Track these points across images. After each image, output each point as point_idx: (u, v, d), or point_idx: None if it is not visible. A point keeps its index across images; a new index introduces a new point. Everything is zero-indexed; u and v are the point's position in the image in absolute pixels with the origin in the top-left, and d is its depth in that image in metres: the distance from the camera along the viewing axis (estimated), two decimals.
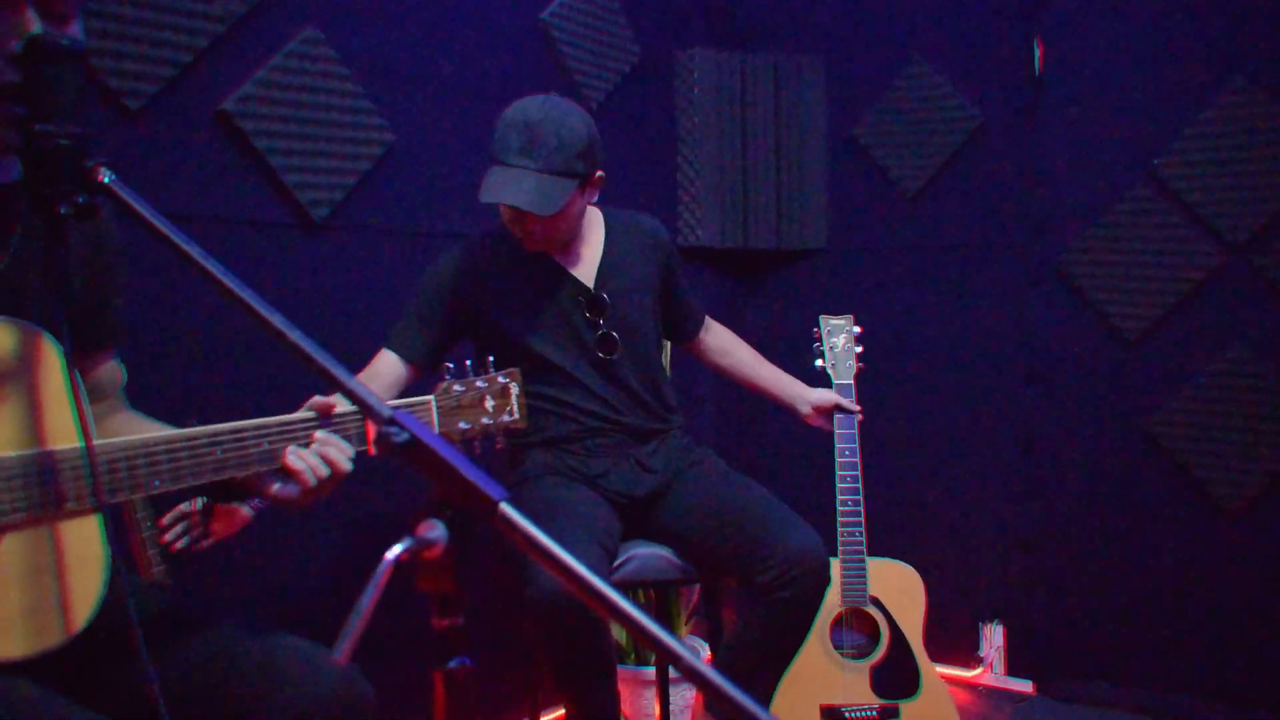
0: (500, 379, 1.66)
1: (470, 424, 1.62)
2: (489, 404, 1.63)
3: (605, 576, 1.96)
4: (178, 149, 2.33)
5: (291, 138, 2.51)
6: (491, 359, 1.70)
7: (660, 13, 3.59)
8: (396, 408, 1.47)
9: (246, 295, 0.92)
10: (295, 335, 0.92)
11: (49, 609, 1.18)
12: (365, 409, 0.86)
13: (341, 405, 1.43)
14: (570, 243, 2.38)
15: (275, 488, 1.37)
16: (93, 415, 1.43)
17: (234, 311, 2.35)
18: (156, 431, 1.48)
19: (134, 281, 2.17)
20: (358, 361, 2.60)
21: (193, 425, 1.32)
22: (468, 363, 1.67)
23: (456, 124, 2.92)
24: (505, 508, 0.81)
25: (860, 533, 2.50)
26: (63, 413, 1.20)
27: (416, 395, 2.07)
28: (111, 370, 1.50)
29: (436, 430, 1.56)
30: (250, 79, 2.42)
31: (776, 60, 3.64)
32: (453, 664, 0.84)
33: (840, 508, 2.51)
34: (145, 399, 2.09)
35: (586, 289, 2.36)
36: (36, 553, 1.18)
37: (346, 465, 1.36)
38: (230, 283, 0.93)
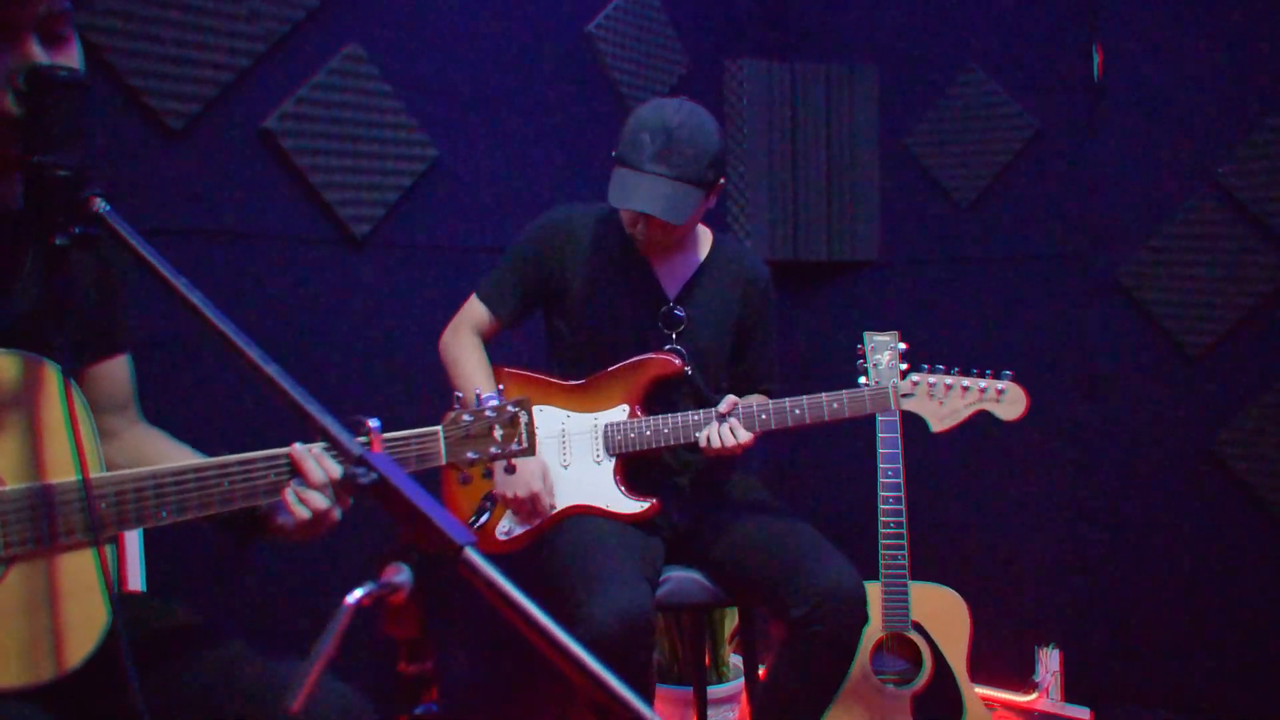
0: (510, 408, 1.64)
1: (478, 454, 1.60)
2: (497, 433, 1.62)
3: (650, 606, 1.98)
4: (220, 168, 2.35)
5: (333, 155, 2.53)
6: (500, 388, 1.68)
7: (709, 22, 3.56)
8: (402, 439, 1.52)
9: (227, 328, 0.91)
10: (271, 369, 0.90)
11: (43, 643, 1.18)
12: (337, 447, 0.85)
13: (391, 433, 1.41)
14: (671, 250, 2.33)
15: (279, 519, 1.36)
16: (109, 429, 1.46)
17: (265, 332, 2.39)
18: (172, 446, 1.51)
19: (159, 300, 2.22)
20: (399, 376, 2.63)
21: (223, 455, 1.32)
22: (477, 392, 1.65)
23: (501, 138, 2.92)
24: (469, 553, 0.79)
25: (903, 556, 2.44)
26: (67, 443, 1.21)
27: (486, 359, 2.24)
28: (124, 376, 1.50)
29: (444, 460, 1.55)
30: (291, 97, 2.45)
31: (828, 69, 3.59)
32: (419, 710, 0.81)
33: (882, 530, 2.45)
34: (170, 419, 2.12)
35: (666, 299, 2.32)
36: (36, 586, 1.18)
37: (321, 504, 1.32)
38: (211, 314, 0.92)
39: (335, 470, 1.34)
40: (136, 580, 2.10)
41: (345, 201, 2.56)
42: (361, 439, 1.36)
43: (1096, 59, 3.19)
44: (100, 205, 1.05)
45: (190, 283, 0.97)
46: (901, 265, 3.61)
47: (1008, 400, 2.18)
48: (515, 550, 2.26)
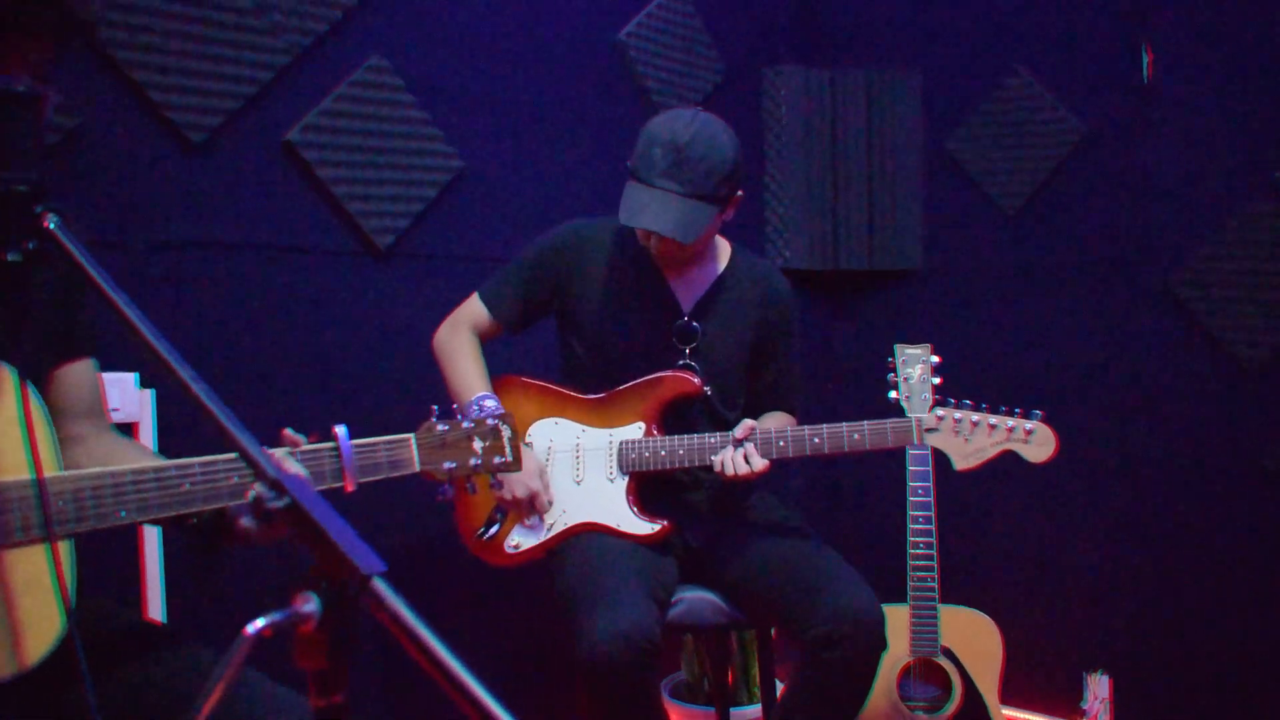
0: (489, 421, 1.62)
1: (456, 463, 1.58)
2: (477, 445, 1.60)
3: (656, 629, 1.93)
4: (241, 180, 2.37)
5: (356, 166, 2.53)
6: (491, 403, 1.66)
7: (746, 29, 3.51)
8: (370, 445, 1.50)
9: (160, 346, 0.89)
10: (199, 389, 0.88)
11: (3, 640, 1.18)
12: (254, 468, 0.82)
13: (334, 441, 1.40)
14: (687, 263, 2.29)
15: (243, 520, 1.35)
16: (75, 434, 1.46)
17: (287, 343, 2.40)
18: (141, 455, 1.50)
19: (164, 312, 2.23)
20: (424, 387, 2.60)
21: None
22: (455, 407, 1.64)
23: (529, 147, 2.91)
24: (377, 583, 0.75)
25: (932, 578, 2.36)
26: (28, 442, 1.21)
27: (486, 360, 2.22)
28: (88, 380, 1.50)
29: (417, 466, 1.54)
30: (314, 109, 2.45)
31: (869, 74, 3.52)
32: None
33: (911, 551, 2.37)
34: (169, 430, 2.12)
35: (681, 313, 2.28)
36: None
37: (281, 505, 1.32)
38: (149, 334, 0.90)
39: (300, 471, 1.35)
40: (157, 611, 2.12)
41: (368, 213, 2.56)
42: (283, 451, 1.37)
43: (1146, 59, 3.08)
44: (51, 220, 1.04)
45: (130, 299, 0.94)
46: (944, 275, 3.52)
47: (1036, 441, 2.11)
48: (524, 563, 2.23)
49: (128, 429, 2.11)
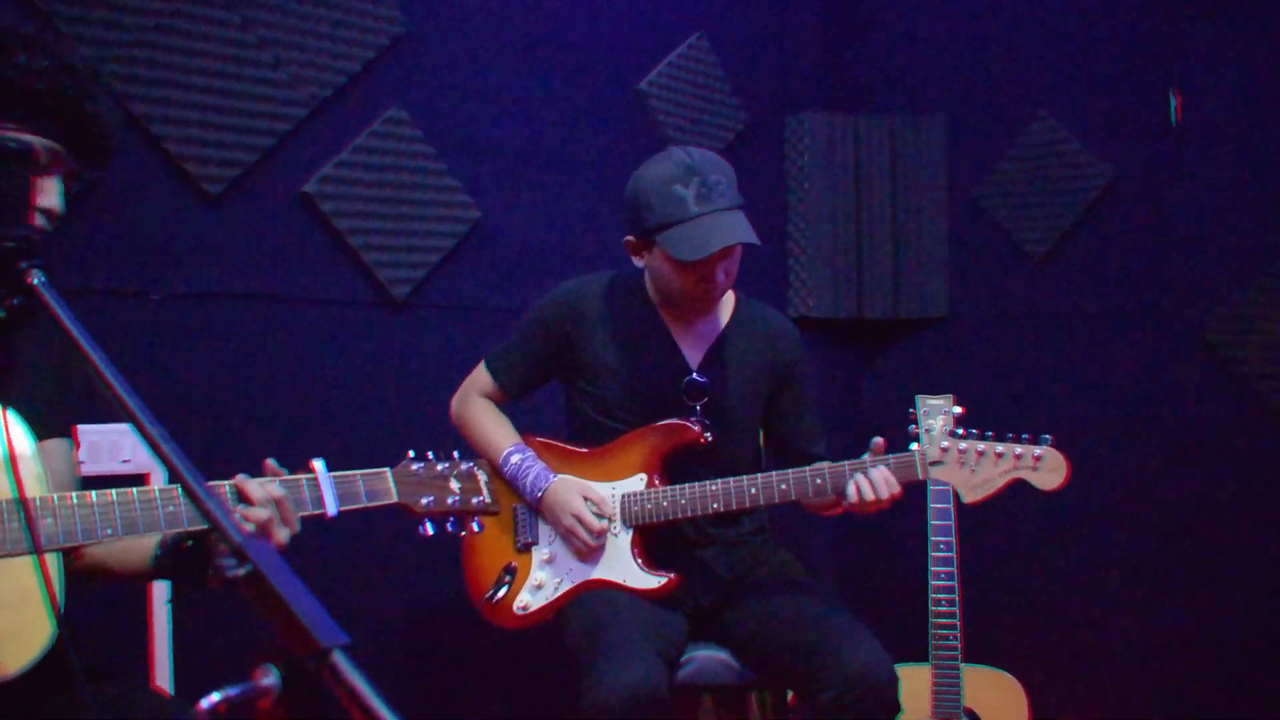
0: (464, 465, 1.69)
1: (434, 499, 1.63)
2: (454, 485, 1.66)
3: (663, 684, 1.88)
4: (259, 231, 2.38)
5: (373, 217, 2.54)
6: (456, 453, 1.71)
7: (768, 76, 3.51)
8: (348, 476, 1.54)
9: (134, 405, 0.87)
10: (168, 448, 0.86)
11: None
12: (218, 531, 0.79)
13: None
14: (693, 316, 2.24)
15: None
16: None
17: (303, 393, 2.39)
18: None
19: (180, 362, 2.23)
20: (439, 437, 2.56)
21: None
22: (429, 453, 1.69)
23: (548, 197, 2.91)
24: (337, 658, 0.72)
25: (955, 637, 2.29)
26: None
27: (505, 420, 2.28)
28: (65, 457, 1.51)
29: (395, 497, 1.60)
30: (332, 160, 2.47)
31: (892, 120, 3.50)
32: None
33: (933, 608, 2.30)
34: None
35: (688, 368, 2.24)
36: None
37: (262, 515, 1.42)
38: (122, 392, 0.88)
39: (278, 491, 1.44)
40: (164, 679, 2.10)
41: (385, 263, 2.57)
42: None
43: (1174, 102, 3.04)
44: (37, 277, 1.03)
45: (109, 359, 0.93)
46: (971, 322, 3.47)
47: (1046, 468, 2.00)
48: (533, 625, 2.19)
49: (140, 480, 2.11)
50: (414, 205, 2.61)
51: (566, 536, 2.15)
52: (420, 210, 2.63)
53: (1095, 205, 3.22)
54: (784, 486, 2.06)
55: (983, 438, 2.04)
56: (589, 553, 2.16)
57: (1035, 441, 2.02)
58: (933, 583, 2.32)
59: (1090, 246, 3.25)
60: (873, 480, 2.00)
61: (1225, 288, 2.99)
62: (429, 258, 2.65)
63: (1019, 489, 2.03)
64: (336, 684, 0.71)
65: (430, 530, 1.64)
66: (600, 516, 2.13)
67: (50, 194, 1.36)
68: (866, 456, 2.04)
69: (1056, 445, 2.01)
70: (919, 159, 3.49)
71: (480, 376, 2.31)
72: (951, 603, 2.31)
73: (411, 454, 1.69)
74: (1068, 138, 3.25)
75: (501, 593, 2.17)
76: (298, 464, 2.35)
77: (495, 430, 2.26)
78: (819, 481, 2.04)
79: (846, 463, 2.04)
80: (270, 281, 2.40)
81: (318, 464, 1.54)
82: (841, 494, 2.03)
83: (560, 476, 2.17)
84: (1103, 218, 3.22)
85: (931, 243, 3.49)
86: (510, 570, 2.20)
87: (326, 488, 1.51)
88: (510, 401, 2.32)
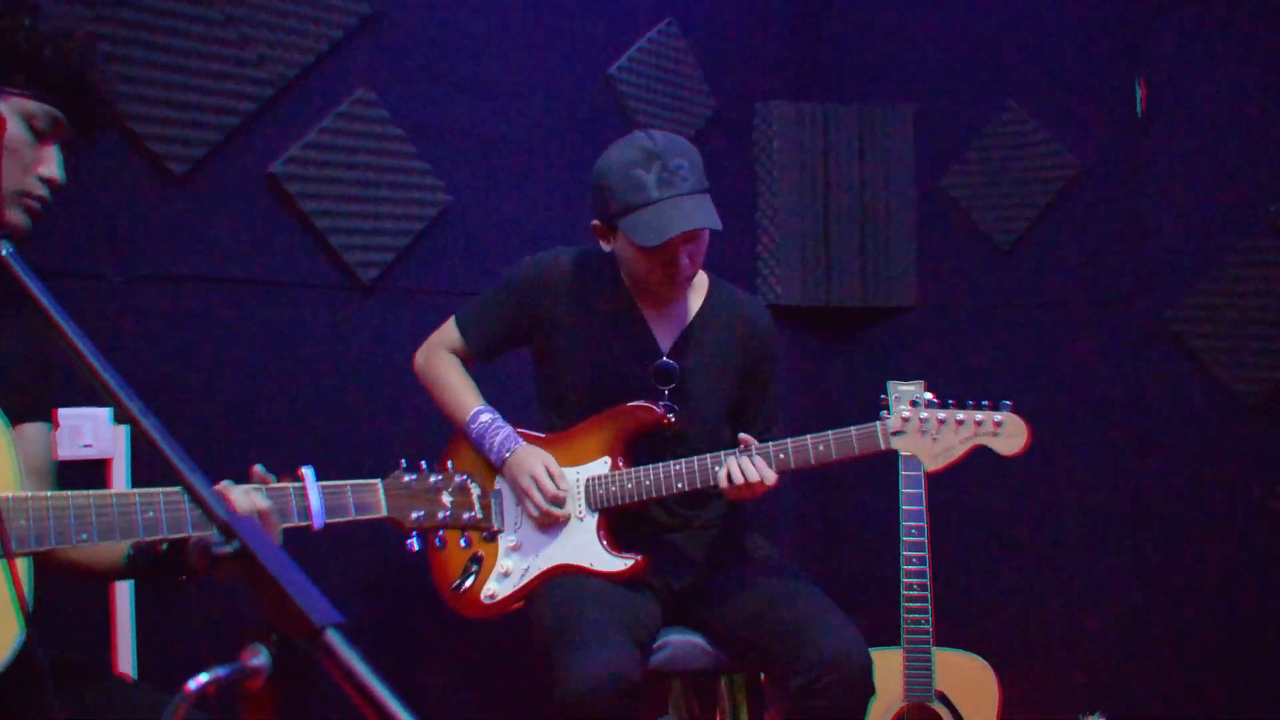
0: (457, 477, 1.63)
1: (424, 513, 1.58)
2: (446, 499, 1.61)
3: (636, 668, 1.88)
4: (224, 213, 2.33)
5: (341, 199, 2.50)
6: (450, 464, 1.67)
7: (738, 64, 3.50)
8: (337, 486, 1.48)
9: (113, 381, 0.84)
10: (148, 424, 0.83)
11: None
12: (203, 509, 0.77)
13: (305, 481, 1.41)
14: (664, 299, 2.22)
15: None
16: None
17: (270, 378, 2.35)
18: None
19: (144, 345, 2.18)
20: (407, 423, 2.59)
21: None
22: (423, 463, 1.64)
23: (516, 181, 2.88)
24: (331, 636, 0.70)
25: (926, 620, 2.30)
26: None
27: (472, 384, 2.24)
28: (40, 445, 1.49)
29: (385, 511, 1.54)
30: (299, 141, 2.43)
31: (861, 109, 3.50)
32: None
33: (905, 592, 2.31)
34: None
35: (658, 351, 2.22)
36: None
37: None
38: (100, 368, 0.85)
39: (264, 503, 1.37)
40: (128, 665, 2.07)
41: (353, 246, 2.53)
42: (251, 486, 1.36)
43: (1140, 93, 3.07)
44: (5, 248, 1.00)
45: (82, 331, 0.90)
46: (939, 311, 3.49)
47: (1006, 433, 2.00)
48: (502, 614, 2.17)
49: (102, 465, 2.07)
50: (382, 188, 2.58)
51: (521, 499, 2.14)
52: (389, 193, 2.59)
53: (1062, 196, 3.25)
54: (718, 469, 2.07)
55: (943, 406, 2.04)
56: (553, 534, 2.15)
57: (995, 408, 2.02)
58: (904, 566, 2.33)
59: (1057, 236, 3.28)
60: (740, 464, 2.03)
61: (1188, 276, 3.03)
62: (398, 241, 2.62)
63: (985, 464, 2.05)
64: (332, 663, 0.69)
65: (417, 546, 1.60)
66: (560, 496, 2.12)
67: (50, 162, 1.35)
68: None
69: (1015, 411, 2.02)
70: (887, 148, 3.50)
71: (449, 331, 2.29)
72: (923, 586, 2.32)
73: (404, 464, 1.64)
74: (1035, 128, 3.27)
75: (469, 582, 2.15)
76: (266, 453, 2.34)
77: (463, 388, 2.25)
78: (782, 456, 2.05)
79: (809, 436, 2.05)
80: (235, 264, 2.36)
81: (307, 472, 1.48)
82: (713, 481, 2.06)
83: (528, 444, 2.17)
84: (1069, 208, 3.25)
85: (900, 231, 3.50)
86: (477, 560, 2.18)
87: (315, 499, 1.46)
88: (476, 363, 2.30)
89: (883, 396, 2.38)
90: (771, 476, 2.02)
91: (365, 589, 2.57)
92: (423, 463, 1.64)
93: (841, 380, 3.62)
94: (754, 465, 2.02)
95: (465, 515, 1.62)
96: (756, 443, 2.06)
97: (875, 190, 3.51)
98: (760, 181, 3.48)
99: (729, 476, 2.03)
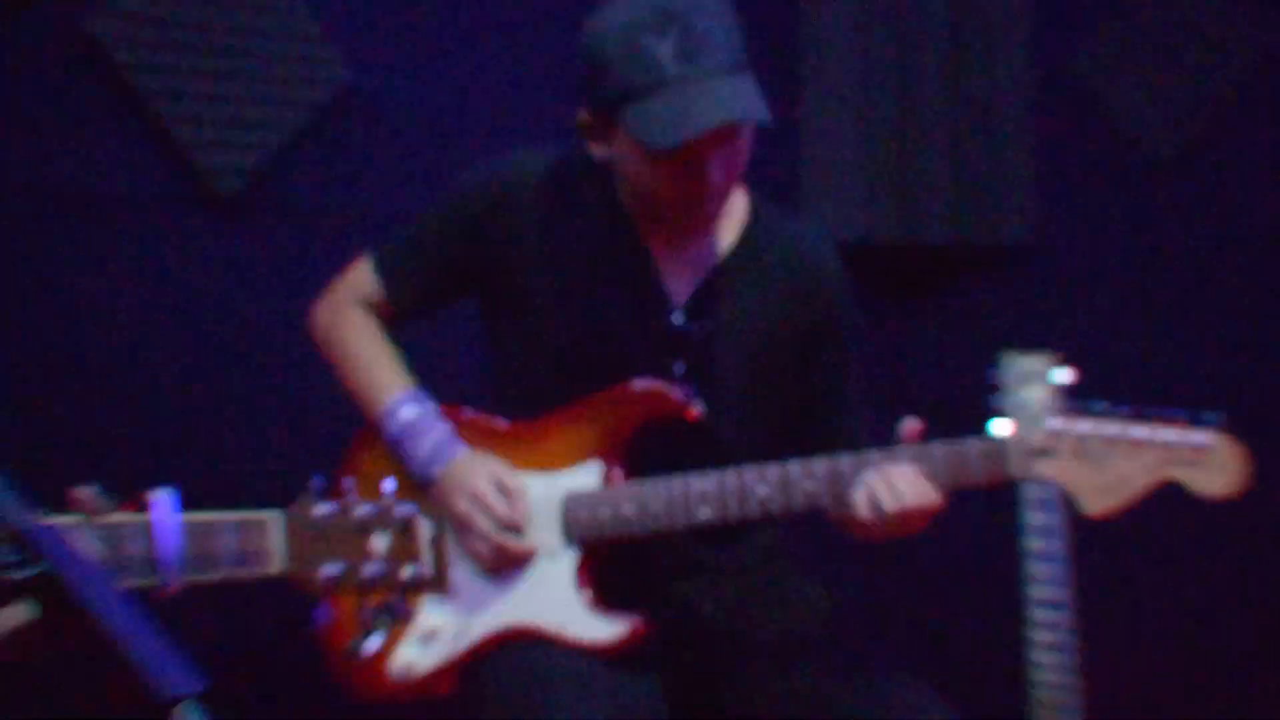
0: (398, 510, 1.51)
1: (342, 568, 1.48)
2: (379, 543, 1.50)
3: None
4: (27, 93, 2.38)
5: (188, 75, 2.51)
6: (390, 483, 1.58)
7: None
8: (206, 524, 1.41)
9: None
10: None
11: None
12: None
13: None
14: (687, 228, 2.14)
15: None
16: None
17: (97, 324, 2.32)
18: None
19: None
20: (285, 386, 2.60)
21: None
22: (346, 483, 1.55)
23: (455, 51, 2.88)
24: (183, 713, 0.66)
25: (1072, 708, 2.24)
26: None
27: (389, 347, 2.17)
28: None
29: (278, 566, 1.47)
30: None
31: None
32: None
33: (1035, 670, 2.24)
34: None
35: (669, 306, 2.15)
36: None
37: None
38: None
39: (92, 547, 1.31)
40: None
41: (206, 143, 2.54)
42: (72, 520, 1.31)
43: None
44: None
45: None
46: (1067, 251, 3.49)
47: (1210, 464, 1.91)
48: (422, 697, 2.08)
49: None
50: (251, 60, 2.59)
51: (460, 530, 2.05)
52: (261, 69, 2.60)
53: (1243, 90, 3.29)
54: (764, 490, 1.98)
55: (1114, 416, 1.95)
56: (508, 578, 2.07)
57: (1193, 423, 1.93)
58: (1035, 639, 2.25)
59: (1235, 147, 3.33)
60: (891, 483, 1.93)
61: None
62: (271, 137, 2.62)
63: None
64: None
65: (329, 619, 1.59)
66: (515, 521, 2.03)
67: None
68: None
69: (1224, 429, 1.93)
70: (989, 21, 3.46)
71: (361, 276, 2.22)
72: (1065, 663, 2.25)
73: (317, 481, 1.54)
74: None
75: (374, 643, 2.02)
76: (72, 440, 2.32)
77: (381, 362, 2.17)
78: (809, 485, 1.97)
79: (846, 456, 1.97)
80: (37, 167, 2.40)
81: (160, 499, 1.39)
82: (846, 503, 1.96)
83: (472, 451, 2.08)
84: (1253, 106, 3.30)
85: (1009, 140, 3.47)
86: (390, 609, 2.04)
87: (167, 542, 1.38)
88: (399, 320, 2.23)
89: (994, 373, 2.24)
90: (934, 494, 1.94)
91: (239, 637, 2.52)
92: (346, 481, 1.55)
93: (927, 350, 3.58)
94: (908, 478, 1.93)
95: (406, 572, 1.51)
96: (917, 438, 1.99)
97: (973, 83, 3.46)
98: (808, 64, 3.43)
99: (873, 500, 1.93)
